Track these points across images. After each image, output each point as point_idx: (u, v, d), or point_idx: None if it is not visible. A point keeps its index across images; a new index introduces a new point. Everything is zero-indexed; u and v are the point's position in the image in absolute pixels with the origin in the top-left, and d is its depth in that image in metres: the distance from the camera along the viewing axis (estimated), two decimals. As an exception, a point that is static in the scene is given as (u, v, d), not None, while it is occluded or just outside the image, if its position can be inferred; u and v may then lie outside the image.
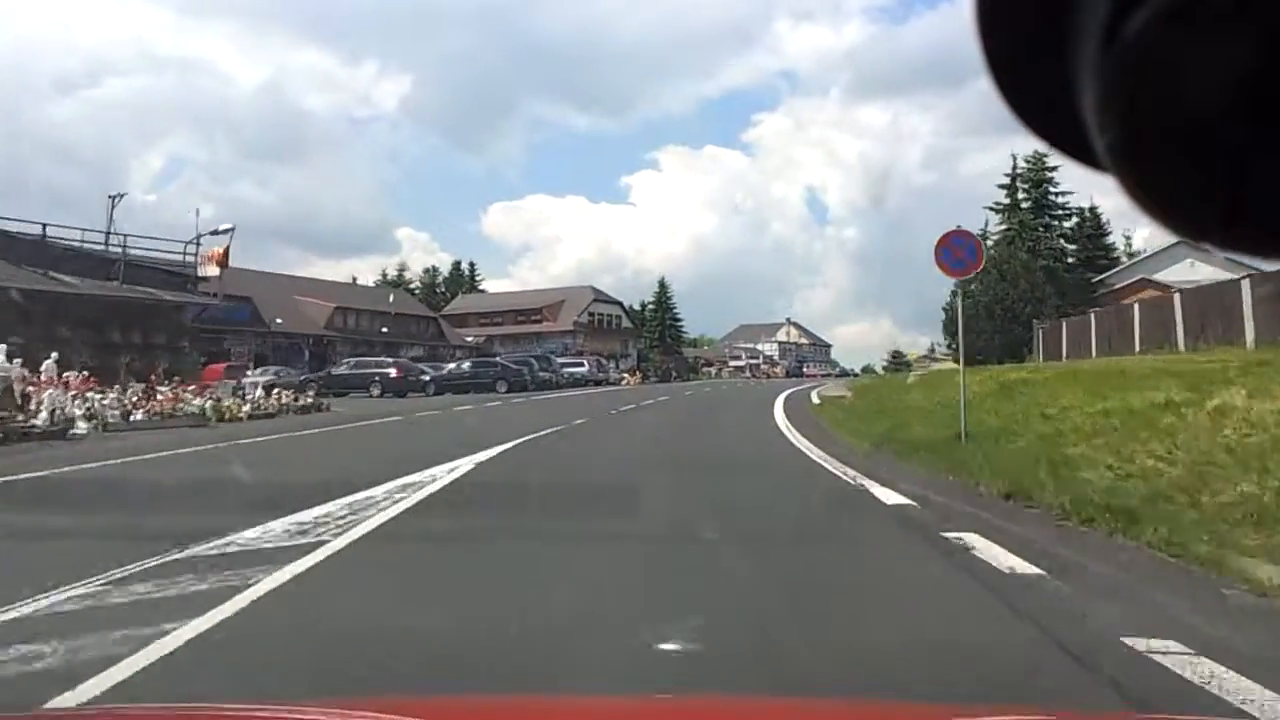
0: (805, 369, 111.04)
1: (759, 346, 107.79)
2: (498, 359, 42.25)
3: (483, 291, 77.27)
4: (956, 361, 49.06)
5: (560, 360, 48.09)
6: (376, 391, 31.64)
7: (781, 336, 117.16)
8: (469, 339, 67.17)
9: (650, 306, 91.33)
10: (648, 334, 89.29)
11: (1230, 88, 0.42)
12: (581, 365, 47.24)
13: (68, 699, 2.95)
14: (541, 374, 38.58)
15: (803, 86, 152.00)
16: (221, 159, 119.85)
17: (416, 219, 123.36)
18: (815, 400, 30.17)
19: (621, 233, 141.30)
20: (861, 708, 2.17)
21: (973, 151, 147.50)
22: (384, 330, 58.05)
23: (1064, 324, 29.99)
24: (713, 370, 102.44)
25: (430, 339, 62.76)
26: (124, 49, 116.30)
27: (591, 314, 68.49)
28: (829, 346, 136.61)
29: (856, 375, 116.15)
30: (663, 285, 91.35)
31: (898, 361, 44.71)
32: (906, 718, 1.93)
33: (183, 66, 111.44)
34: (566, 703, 2.17)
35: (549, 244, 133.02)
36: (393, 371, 31.46)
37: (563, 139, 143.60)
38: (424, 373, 33.57)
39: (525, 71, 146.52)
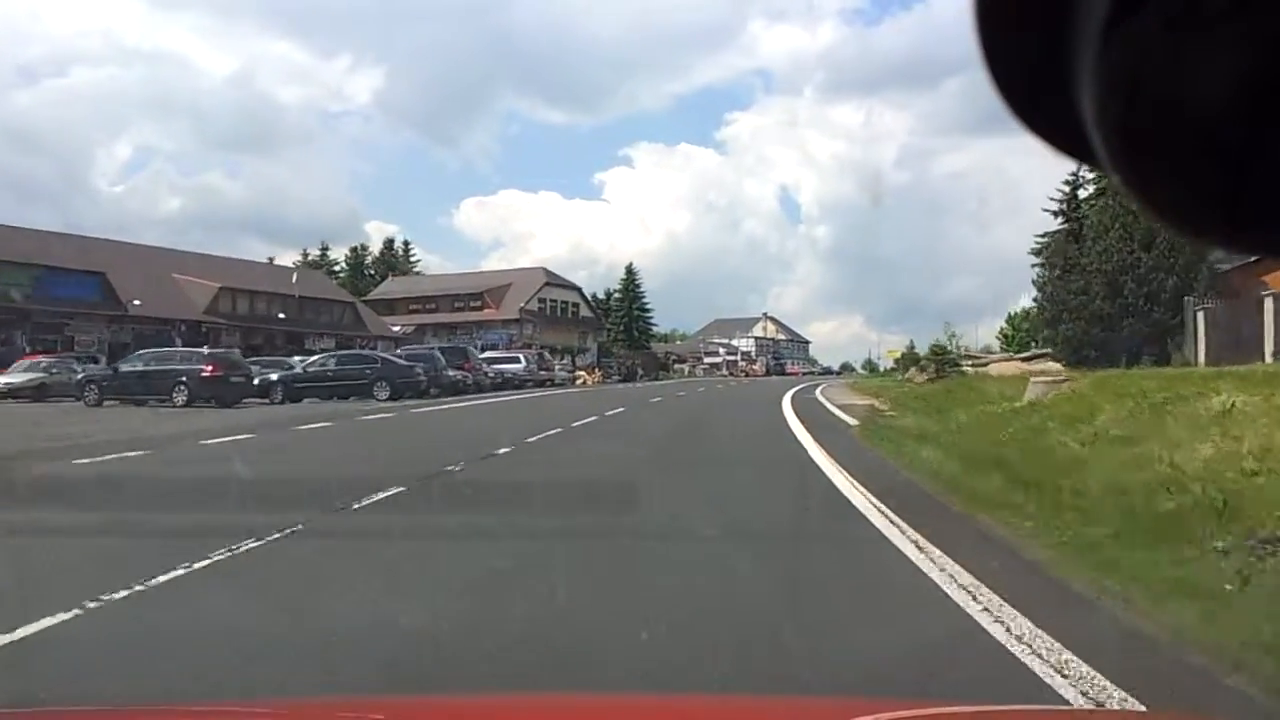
0: (787, 367, 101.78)
1: (734, 342, 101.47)
2: (378, 353, 31.35)
3: (418, 274, 66.11)
4: (1022, 358, 38.95)
5: (489, 355, 37.19)
6: (182, 398, 20.66)
7: (758, 331, 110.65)
8: (395, 329, 56.17)
9: (616, 295, 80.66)
10: (612, 326, 78.82)
11: (1230, 87, 0.43)
12: (516, 361, 36.38)
13: None
14: (450, 373, 27.74)
15: (777, 85, 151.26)
16: (190, 150, 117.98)
17: (387, 212, 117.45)
18: (843, 416, 19.68)
19: (595, 229, 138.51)
20: (861, 707, 2.01)
21: (945, 152, 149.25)
22: (281, 316, 46.81)
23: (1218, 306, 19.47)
24: (685, 367, 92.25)
25: (345, 328, 51.73)
26: (92, 39, 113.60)
27: (543, 300, 57.64)
28: (808, 343, 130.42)
29: (839, 373, 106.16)
30: (630, 272, 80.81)
31: (941, 359, 34.03)
32: (906, 717, 1.82)
33: (152, 57, 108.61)
34: (566, 702, 2.05)
35: (521, 239, 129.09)
36: (206, 369, 20.53)
37: (536, 134, 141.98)
38: (253, 370, 22.64)
39: (500, 66, 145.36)
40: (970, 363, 40.21)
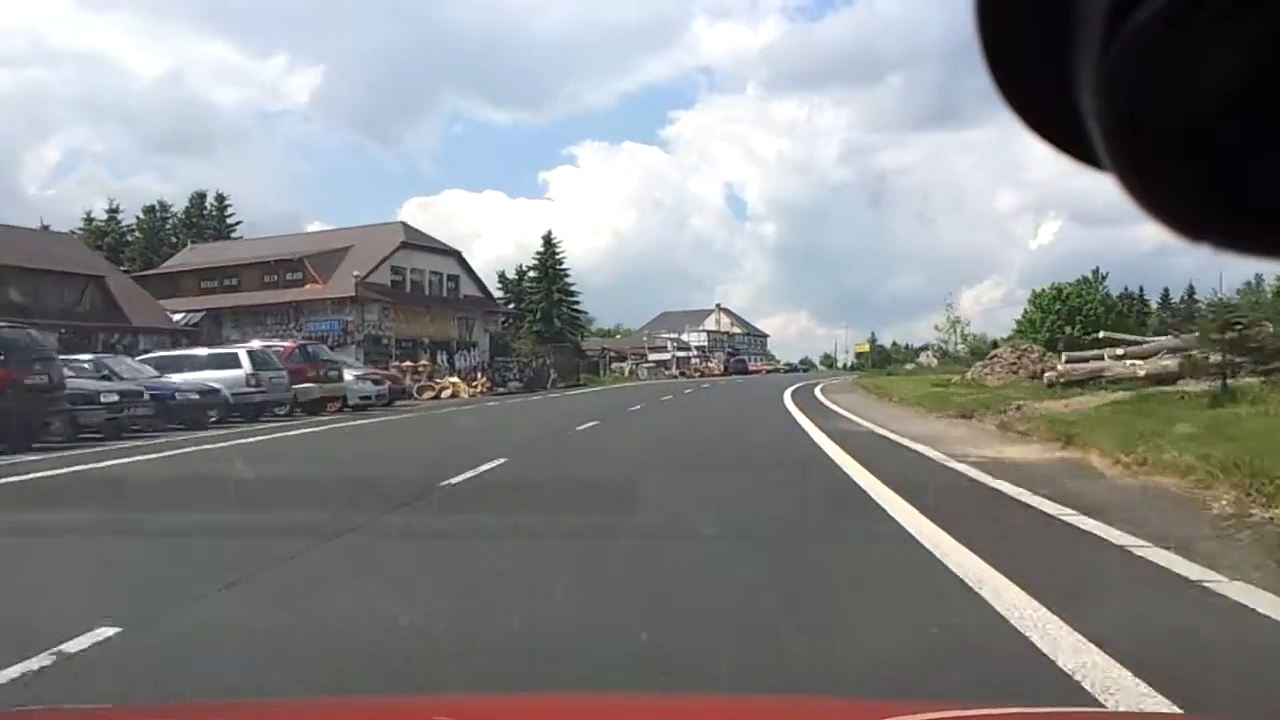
0: (749, 364, 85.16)
1: (685, 337, 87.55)
2: None
3: (235, 238, 46.31)
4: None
5: (155, 356, 18.17)
6: None
7: (710, 325, 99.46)
8: (178, 316, 36.68)
9: (531, 275, 61.71)
10: (528, 312, 59.85)
11: (1231, 87, 0.43)
12: (229, 364, 16.82)
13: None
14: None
15: (720, 83, 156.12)
16: (121, 151, 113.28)
17: (329, 214, 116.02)
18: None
19: (540, 228, 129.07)
20: (861, 707, 2.11)
21: (887, 148, 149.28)
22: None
23: None
24: (625, 367, 73.87)
25: (95, 317, 32.35)
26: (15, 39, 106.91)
27: (399, 271, 38.38)
28: (765, 337, 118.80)
29: (805, 370, 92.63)
30: (548, 244, 61.63)
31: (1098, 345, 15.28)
32: (905, 717, 1.82)
33: (80, 58, 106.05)
34: (566, 702, 2.07)
35: (466, 239, 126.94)
36: None
37: (480, 133, 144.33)
38: None
39: (441, 65, 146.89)
40: (1116, 352, 22.23)
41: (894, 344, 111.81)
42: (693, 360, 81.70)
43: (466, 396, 32.28)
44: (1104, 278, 62.93)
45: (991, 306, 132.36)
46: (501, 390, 36.57)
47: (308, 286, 36.17)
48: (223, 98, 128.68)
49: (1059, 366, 22.36)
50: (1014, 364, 27.39)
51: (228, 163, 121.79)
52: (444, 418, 19.21)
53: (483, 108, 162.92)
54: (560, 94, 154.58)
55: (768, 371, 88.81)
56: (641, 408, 21.84)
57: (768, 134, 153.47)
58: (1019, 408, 17.15)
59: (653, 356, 76.14)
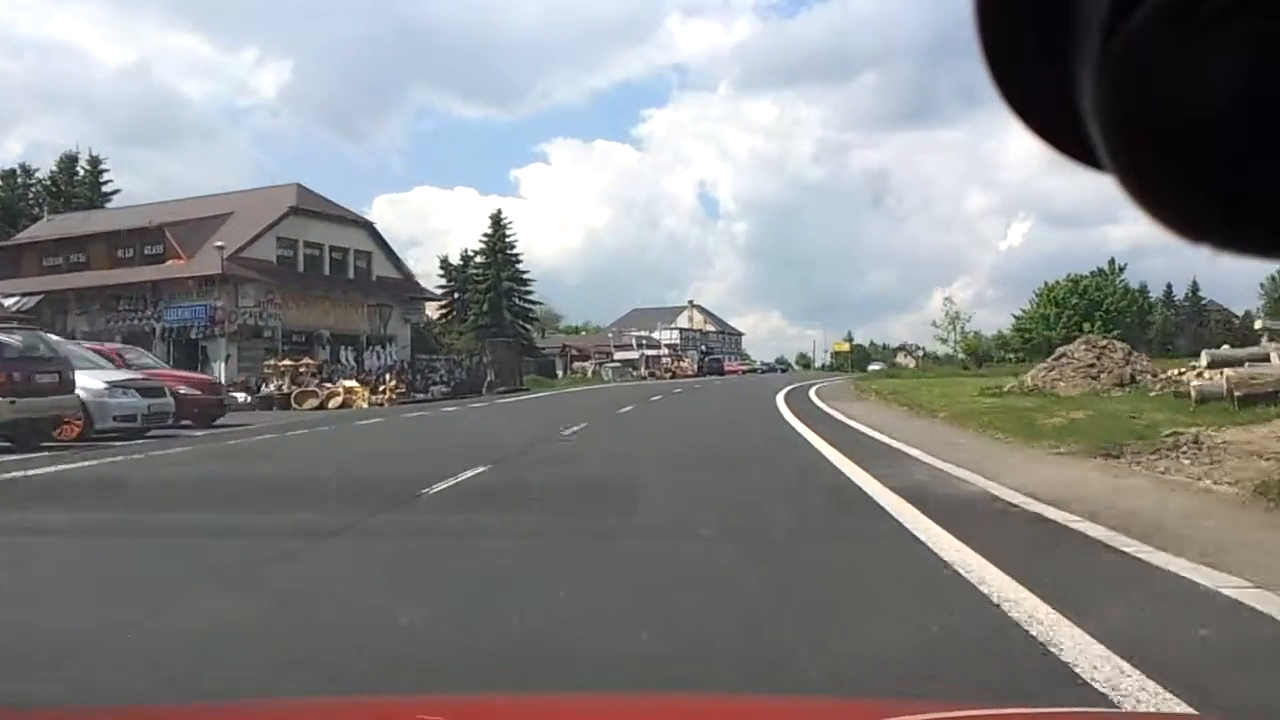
0: (725, 364, 78.46)
1: (656, 334, 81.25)
2: None
3: (111, 209, 38.03)
4: None
5: None
6: None
7: (683, 322, 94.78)
8: (10, 299, 28.70)
9: (478, 260, 54.01)
10: (474, 303, 52.31)
11: (1230, 87, 0.43)
12: None
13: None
14: None
15: (693, 81, 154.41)
16: (87, 144, 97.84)
17: None
18: None
19: (512, 226, 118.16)
20: (861, 707, 2.08)
21: (860, 147, 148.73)
22: None
23: None
24: (588, 366, 66.32)
25: None
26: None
27: (289, 244, 30.33)
28: (740, 335, 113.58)
29: (783, 370, 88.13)
30: (497, 225, 53.99)
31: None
32: (905, 717, 1.79)
33: (45, 48, 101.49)
34: (566, 702, 2.03)
35: (438, 236, 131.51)
36: None
37: (451, 130, 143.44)
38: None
39: (411, 60, 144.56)
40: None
41: (872, 343, 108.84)
42: (663, 359, 74.29)
43: (365, 406, 24.56)
44: (1122, 269, 56.03)
45: (962, 307, 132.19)
46: (421, 397, 28.87)
47: (169, 263, 28.18)
48: (191, 90, 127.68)
49: (1204, 373, 15.10)
50: (1092, 366, 20.19)
51: (195, 156, 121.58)
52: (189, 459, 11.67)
53: (454, 104, 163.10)
54: (532, 90, 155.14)
55: (744, 372, 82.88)
56: (583, 429, 14.52)
57: (741, 132, 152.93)
58: (1196, 440, 9.99)
59: (619, 355, 68.64)
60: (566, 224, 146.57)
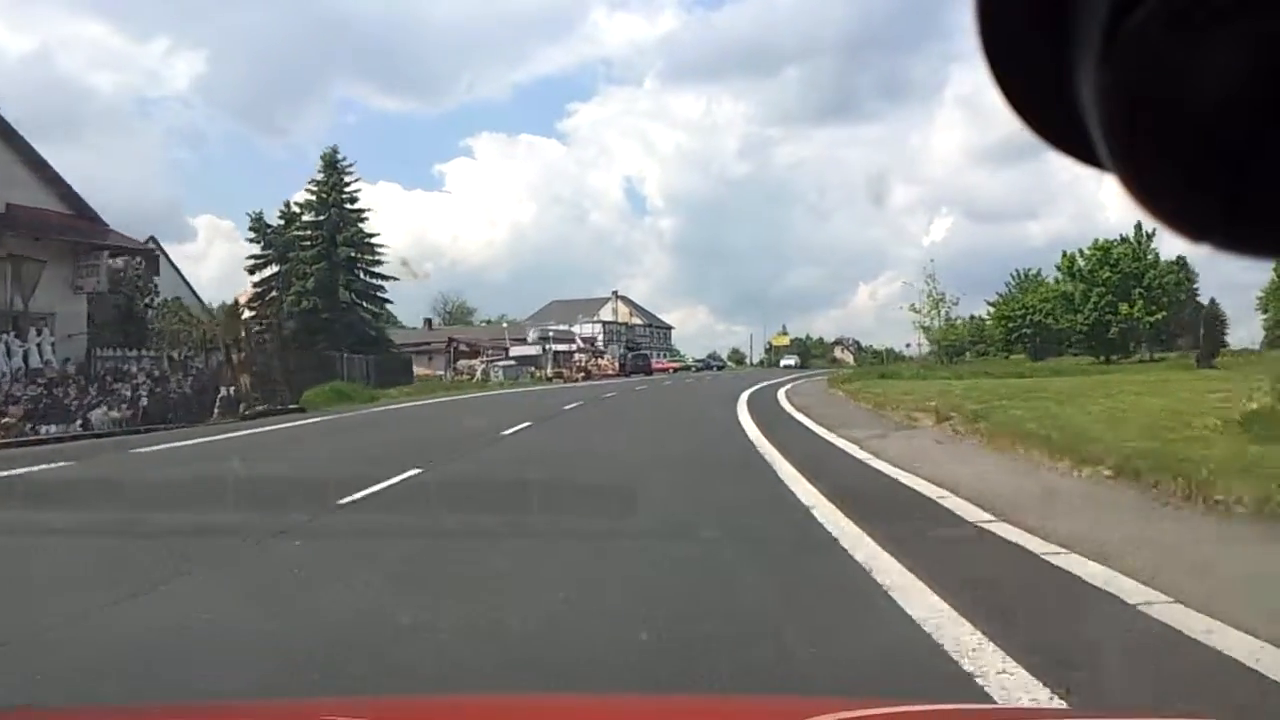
0: (653, 361, 65.20)
1: (576, 328, 71.54)
2: None
3: None
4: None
5: None
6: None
7: (607, 314, 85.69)
8: None
9: (306, 217, 38.79)
10: (296, 277, 37.28)
11: (1230, 87, 0.43)
12: None
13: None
14: None
15: (618, 74, 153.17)
16: None
17: (215, 204, 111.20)
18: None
19: (437, 221, 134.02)
20: (861, 707, 2.01)
21: (786, 141, 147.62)
22: None
23: None
24: (476, 366, 51.45)
25: None
26: None
27: None
28: (669, 329, 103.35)
29: (720, 369, 78.35)
30: (332, 167, 38.71)
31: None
32: (906, 717, 1.81)
33: None
34: (566, 702, 2.06)
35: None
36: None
37: (373, 123, 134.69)
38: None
39: (330, 51, 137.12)
40: None
41: (808, 337, 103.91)
42: (576, 355, 59.70)
43: None
44: (1150, 234, 43.16)
45: (887, 302, 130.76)
46: (54, 432, 13.81)
47: None
48: (97, 81, 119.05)
49: None
50: None
51: (102, 149, 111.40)
52: None
53: (376, 96, 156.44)
54: (456, 84, 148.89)
55: (676, 370, 70.35)
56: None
57: (667, 127, 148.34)
58: None
59: (517, 351, 53.69)
60: (493, 219, 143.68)
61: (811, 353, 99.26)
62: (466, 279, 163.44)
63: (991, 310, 59.62)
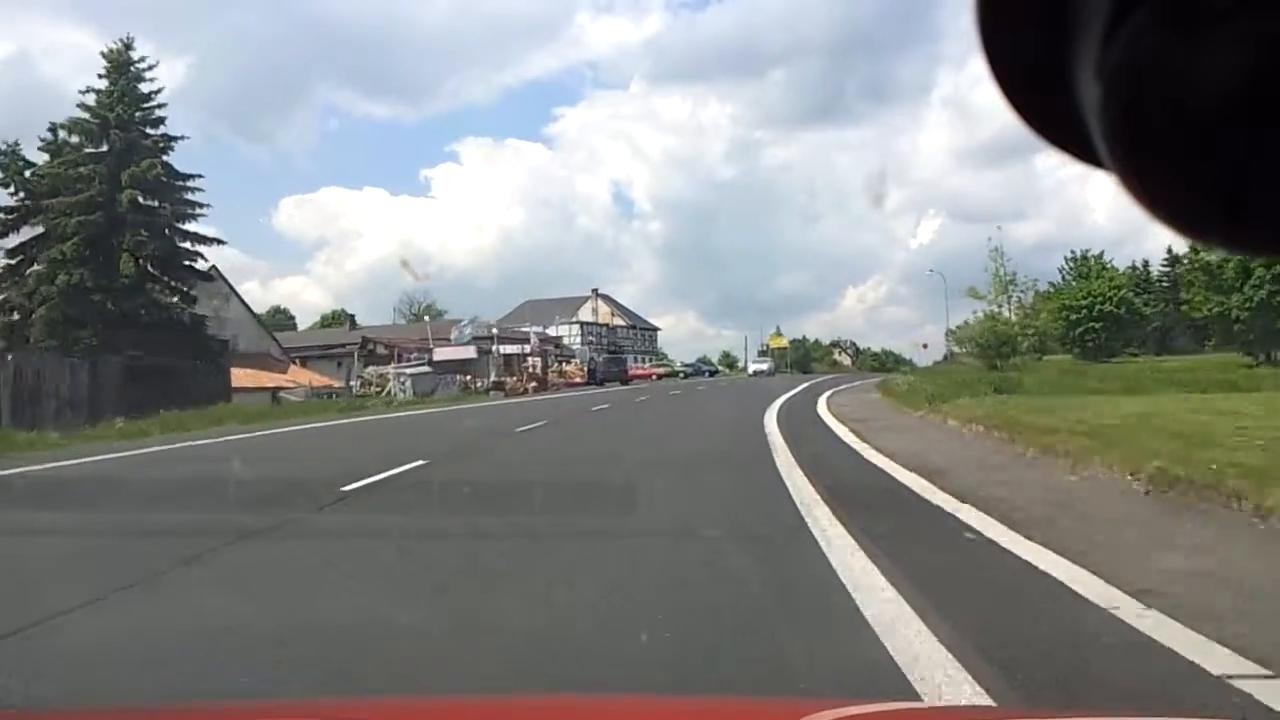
0: (630, 366, 52.91)
1: (553, 330, 63.39)
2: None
3: None
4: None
5: None
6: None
7: (586, 315, 77.70)
8: None
9: (74, 139, 25.21)
10: (59, 237, 23.70)
11: (1230, 87, 0.43)
12: None
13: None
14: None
15: (604, 78, 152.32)
16: None
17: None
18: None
19: (424, 227, 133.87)
20: (860, 707, 2.03)
21: (772, 144, 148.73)
22: None
23: None
24: (388, 375, 38.36)
25: None
26: None
27: None
28: (656, 331, 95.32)
29: (712, 374, 73.77)
30: (117, 67, 24.48)
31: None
32: (906, 717, 1.82)
33: None
34: (566, 703, 2.06)
35: (347, 238, 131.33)
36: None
37: (359, 128, 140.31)
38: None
39: (315, 56, 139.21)
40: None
41: (804, 338, 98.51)
42: (529, 360, 46.51)
43: None
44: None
45: (876, 305, 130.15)
46: None
47: None
48: (79, 86, 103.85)
49: None
50: None
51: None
52: None
53: (361, 101, 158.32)
54: (442, 89, 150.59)
55: (659, 377, 60.94)
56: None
57: (654, 130, 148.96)
58: None
59: (443, 354, 40.33)
60: (480, 225, 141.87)
61: (811, 355, 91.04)
62: (454, 284, 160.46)
63: (1046, 301, 50.27)
